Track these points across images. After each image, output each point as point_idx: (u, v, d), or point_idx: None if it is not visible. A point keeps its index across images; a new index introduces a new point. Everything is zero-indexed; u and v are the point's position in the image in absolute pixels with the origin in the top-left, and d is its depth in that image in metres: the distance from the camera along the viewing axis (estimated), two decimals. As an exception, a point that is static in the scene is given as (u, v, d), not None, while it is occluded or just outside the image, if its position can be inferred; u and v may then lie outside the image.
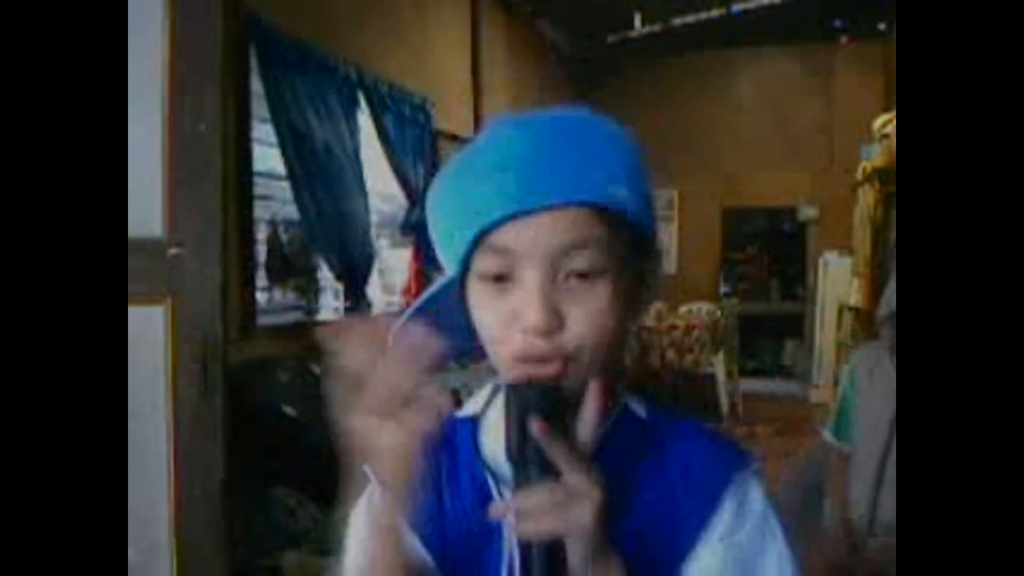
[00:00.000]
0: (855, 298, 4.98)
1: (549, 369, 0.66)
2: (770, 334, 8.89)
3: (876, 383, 2.14)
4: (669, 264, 8.94)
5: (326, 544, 2.86)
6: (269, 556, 2.75)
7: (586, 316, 0.67)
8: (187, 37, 1.66)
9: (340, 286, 4.34)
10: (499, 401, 0.78)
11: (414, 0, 5.44)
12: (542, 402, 0.64)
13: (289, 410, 3.53)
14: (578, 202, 0.66)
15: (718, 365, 6.72)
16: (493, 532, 0.71)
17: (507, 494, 0.71)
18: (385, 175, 4.90)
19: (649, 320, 7.11)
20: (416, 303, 0.75)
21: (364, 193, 4.50)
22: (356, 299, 4.34)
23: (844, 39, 8.43)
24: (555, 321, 0.66)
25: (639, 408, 0.77)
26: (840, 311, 5.13)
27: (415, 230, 5.14)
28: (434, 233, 0.75)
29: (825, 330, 5.91)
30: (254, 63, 3.68)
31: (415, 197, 5.06)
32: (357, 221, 4.34)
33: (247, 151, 3.69)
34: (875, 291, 3.75)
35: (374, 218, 4.98)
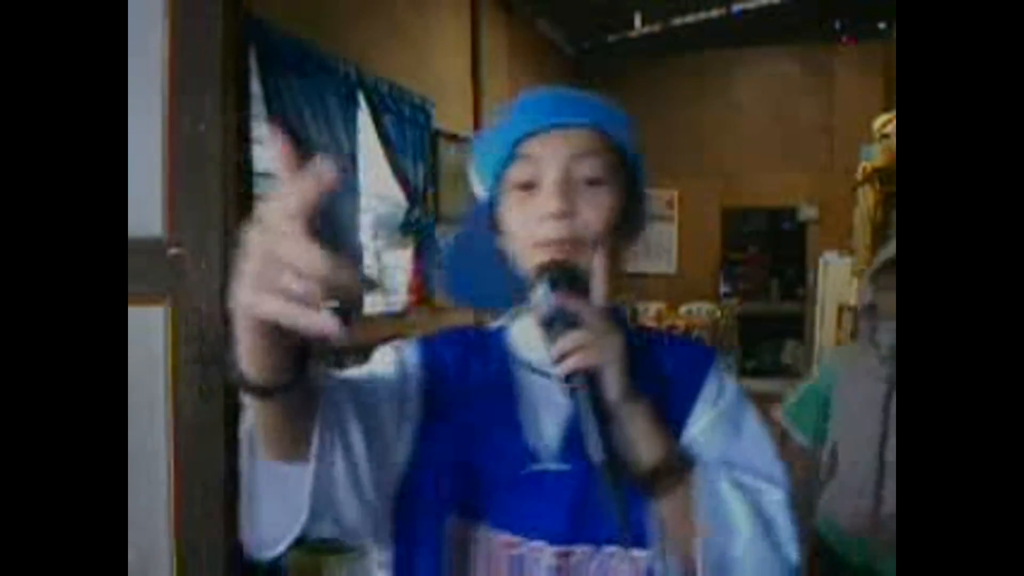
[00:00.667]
0: (855, 298, 4.99)
1: (564, 251, 0.84)
2: (770, 334, 8.89)
3: (860, 385, 2.12)
4: (669, 264, 8.95)
5: (326, 544, 2.86)
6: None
7: (593, 209, 0.85)
8: (187, 37, 1.66)
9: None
10: (523, 320, 0.94)
11: (414, 0, 5.44)
12: (563, 275, 0.82)
13: (289, 410, 3.53)
14: (587, 123, 0.88)
15: (718, 365, 6.70)
16: (520, 424, 0.88)
17: (536, 378, 0.89)
18: (385, 175, 4.90)
19: (649, 320, 7.11)
20: (456, 231, 0.97)
21: (356, 195, 4.50)
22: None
23: (844, 39, 8.43)
24: (569, 209, 0.84)
25: (628, 326, 0.93)
26: (840, 311, 5.13)
27: (415, 230, 5.14)
28: (477, 168, 0.94)
29: (825, 330, 5.90)
30: (254, 63, 3.68)
31: (415, 197, 5.06)
32: (351, 222, 4.34)
33: (247, 151, 3.69)
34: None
35: (373, 218, 4.98)
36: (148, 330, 1.65)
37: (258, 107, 3.72)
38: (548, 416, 0.87)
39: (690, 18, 7.90)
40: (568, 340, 0.78)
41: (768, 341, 8.96)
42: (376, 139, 4.75)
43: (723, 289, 9.06)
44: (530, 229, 0.86)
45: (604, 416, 0.78)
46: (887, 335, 2.10)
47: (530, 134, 0.87)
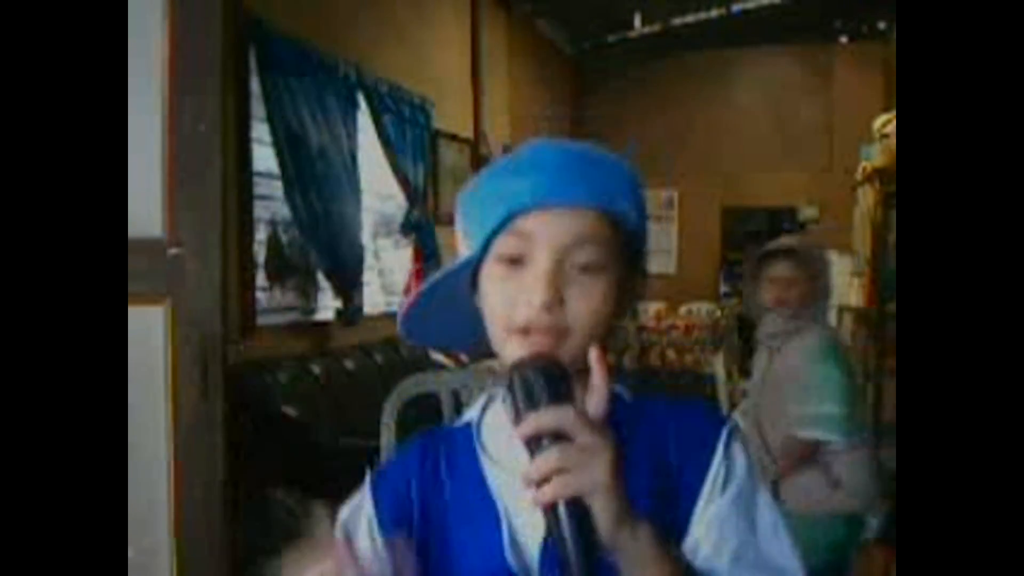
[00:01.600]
0: (855, 298, 4.98)
1: (547, 341, 0.77)
2: (770, 334, 8.87)
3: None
4: (669, 264, 8.94)
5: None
6: (269, 556, 2.75)
7: (584, 300, 0.79)
8: (187, 37, 1.66)
9: (328, 286, 4.34)
10: (496, 405, 0.88)
11: (414, 0, 5.44)
12: (544, 376, 0.71)
13: (289, 410, 3.54)
14: (592, 205, 0.80)
15: (718, 365, 6.71)
16: (494, 521, 0.81)
17: (509, 480, 0.81)
18: (385, 175, 4.90)
19: (649, 320, 7.11)
20: (430, 280, 0.86)
21: (357, 195, 4.50)
22: (345, 300, 4.34)
23: (844, 39, 8.43)
24: (557, 298, 0.77)
25: (624, 392, 0.88)
26: (840, 311, 5.13)
27: (415, 230, 5.14)
28: (463, 222, 0.86)
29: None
30: (253, 63, 3.68)
31: (415, 197, 5.06)
32: (347, 223, 4.35)
33: (247, 151, 3.69)
34: (875, 291, 3.75)
35: (373, 218, 4.98)
36: (148, 330, 1.65)
37: (258, 107, 3.72)
38: (529, 529, 0.79)
39: (690, 18, 7.89)
40: (545, 460, 0.67)
41: (768, 341, 8.93)
42: (376, 139, 4.75)
43: (723, 289, 9.05)
44: (509, 311, 0.79)
45: (591, 547, 0.66)
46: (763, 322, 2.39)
47: (527, 208, 0.79)
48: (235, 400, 1.80)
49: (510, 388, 0.72)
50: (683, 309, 7.42)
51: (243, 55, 3.60)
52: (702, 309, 7.40)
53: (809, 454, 2.25)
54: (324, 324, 4.32)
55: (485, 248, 0.81)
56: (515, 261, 0.80)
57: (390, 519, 0.85)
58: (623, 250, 0.82)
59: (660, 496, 0.79)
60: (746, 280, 2.45)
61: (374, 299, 4.88)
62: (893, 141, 4.28)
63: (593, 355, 0.74)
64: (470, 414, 0.92)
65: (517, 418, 0.70)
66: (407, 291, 5.24)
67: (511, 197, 0.80)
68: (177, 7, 1.66)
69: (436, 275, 0.85)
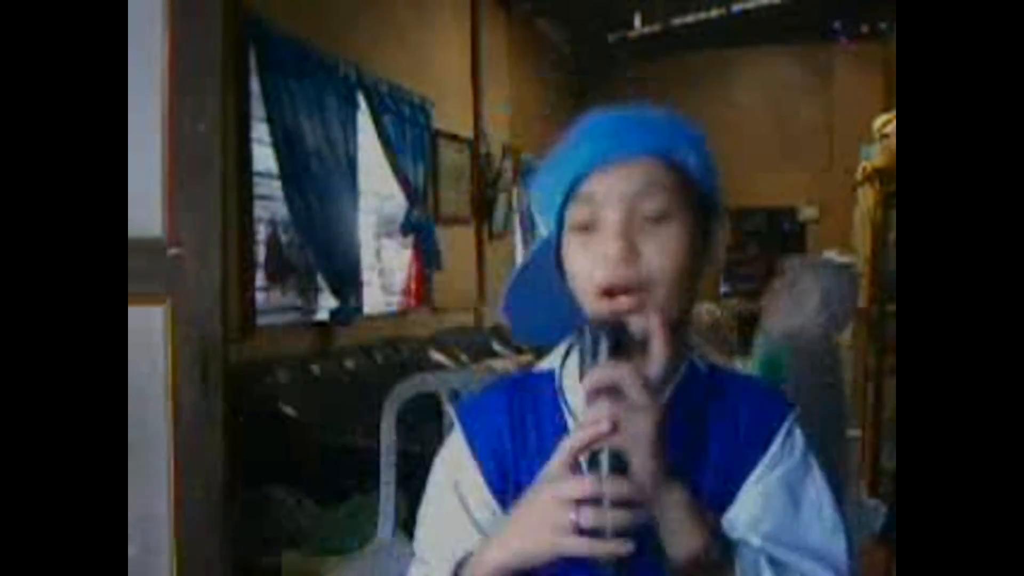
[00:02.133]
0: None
1: (628, 301, 0.78)
2: (770, 334, 8.88)
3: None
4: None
5: (326, 544, 2.86)
6: (269, 556, 2.75)
7: (658, 251, 0.79)
8: (187, 37, 1.66)
9: (326, 286, 4.34)
10: (575, 352, 0.88)
11: (414, 0, 5.44)
12: (607, 335, 0.74)
13: (289, 410, 3.53)
14: (650, 152, 0.81)
15: (718, 365, 6.70)
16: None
17: None
18: (385, 175, 4.90)
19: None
20: (520, 265, 0.89)
21: (356, 196, 4.50)
22: (343, 300, 4.34)
23: (844, 39, 8.43)
24: (632, 253, 0.79)
25: (701, 364, 0.89)
26: (840, 311, 5.12)
27: (415, 230, 5.14)
28: (537, 207, 0.89)
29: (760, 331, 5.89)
30: (253, 63, 3.68)
31: (415, 197, 5.06)
32: (345, 223, 4.35)
33: (247, 151, 3.69)
34: (875, 291, 3.75)
35: (373, 218, 4.98)
36: (148, 330, 1.65)
37: (258, 107, 3.72)
38: None
39: (690, 18, 7.88)
40: (596, 410, 0.71)
41: (768, 341, 8.94)
42: (376, 139, 4.75)
43: (723, 289, 9.05)
44: (591, 273, 0.81)
45: (626, 503, 0.69)
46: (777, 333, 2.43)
47: (588, 171, 0.81)
48: (235, 400, 1.80)
49: (579, 346, 0.77)
50: (683, 309, 7.42)
51: (243, 55, 3.60)
52: (702, 309, 7.40)
53: None
54: (324, 324, 4.32)
55: (560, 226, 0.84)
56: (588, 227, 0.81)
57: (496, 477, 0.86)
58: (693, 199, 0.82)
59: (722, 471, 0.83)
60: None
61: (374, 299, 4.88)
62: (893, 141, 4.28)
63: (654, 322, 0.77)
64: (550, 361, 0.92)
65: (582, 375, 0.74)
66: (407, 291, 5.24)
67: (572, 167, 0.82)
68: (177, 7, 1.66)
69: (520, 264, 0.89)
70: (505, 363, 4.80)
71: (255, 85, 3.69)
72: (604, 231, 0.80)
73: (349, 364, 4.17)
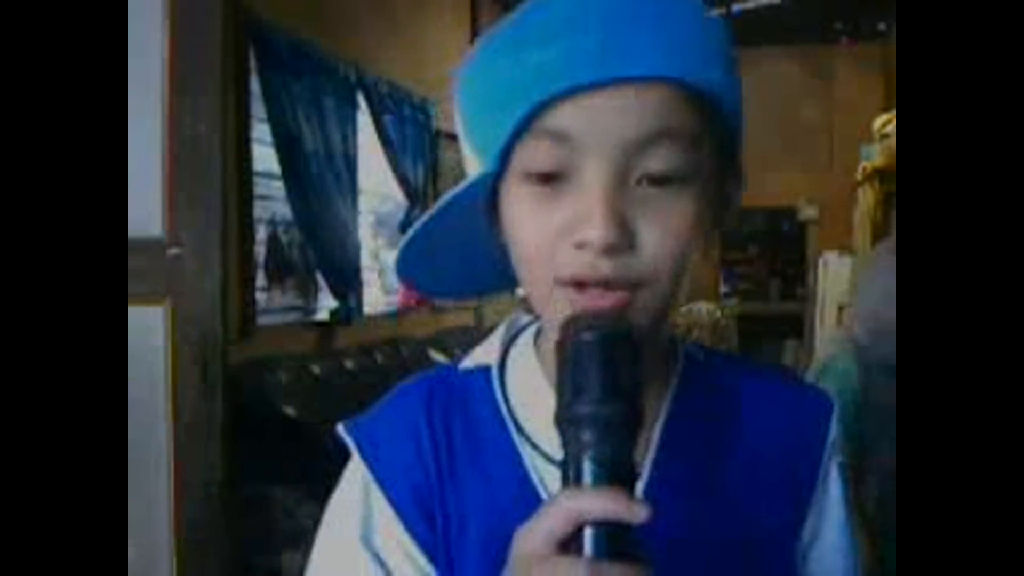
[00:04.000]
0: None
1: (612, 297, 0.52)
2: (770, 334, 8.89)
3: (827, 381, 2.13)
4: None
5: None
6: (269, 556, 2.75)
7: (662, 236, 0.52)
8: (187, 37, 1.66)
9: (326, 286, 4.34)
10: (521, 358, 0.63)
11: (414, 0, 5.44)
12: (607, 352, 0.47)
13: (289, 410, 3.53)
14: (667, 78, 0.51)
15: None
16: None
17: (545, 469, 0.57)
18: (385, 175, 4.90)
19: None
20: (427, 214, 0.58)
21: (356, 196, 4.50)
22: (343, 300, 4.34)
23: (844, 40, 8.43)
24: (623, 237, 0.51)
25: (697, 351, 0.66)
26: (840, 311, 5.13)
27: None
28: (464, 123, 0.58)
29: (825, 330, 5.90)
30: (253, 63, 3.68)
31: (415, 197, 5.06)
32: (346, 223, 4.35)
33: (247, 151, 3.69)
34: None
35: (373, 218, 4.98)
36: (148, 330, 1.65)
37: (258, 107, 3.72)
38: None
39: (690, 18, 7.89)
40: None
41: (768, 341, 8.96)
42: (376, 139, 4.75)
43: (723, 289, 9.06)
44: (549, 254, 0.53)
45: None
46: (864, 335, 2.02)
47: (561, 93, 0.50)
48: (235, 400, 1.80)
49: (559, 356, 0.49)
50: (683, 309, 7.41)
51: (243, 55, 3.60)
52: (702, 309, 7.40)
53: None
54: (324, 324, 4.33)
55: (503, 162, 0.54)
56: (552, 179, 0.52)
57: (418, 521, 0.60)
58: (714, 144, 0.55)
59: (750, 493, 0.60)
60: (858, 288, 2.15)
61: (374, 299, 4.88)
62: (893, 141, 4.28)
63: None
64: (481, 356, 0.64)
65: (562, 411, 0.47)
66: (407, 291, 5.24)
67: (532, 77, 0.50)
68: (177, 7, 1.66)
69: (436, 204, 0.57)
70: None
71: (255, 85, 3.69)
72: (582, 193, 0.51)
73: (349, 364, 4.17)
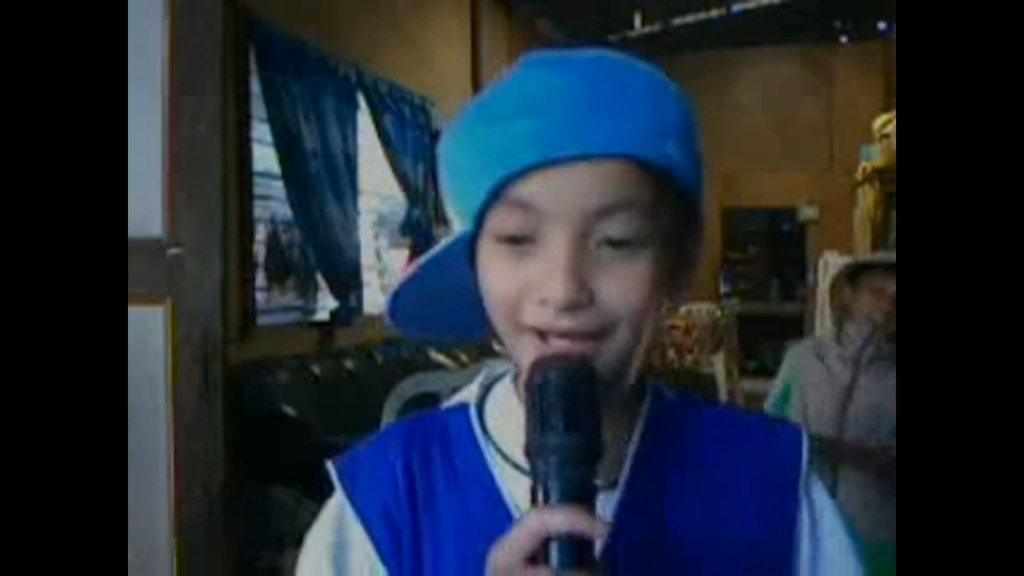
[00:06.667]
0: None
1: (572, 347, 0.58)
2: (770, 334, 8.88)
3: (815, 382, 2.15)
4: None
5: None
6: (269, 556, 2.75)
7: (620, 292, 0.57)
8: (187, 37, 1.66)
9: (326, 286, 4.35)
10: (500, 393, 0.69)
11: (414, 0, 5.44)
12: (569, 390, 0.54)
13: (289, 410, 3.54)
14: (621, 154, 0.56)
15: (718, 365, 6.71)
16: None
17: (517, 487, 0.62)
18: (385, 175, 4.90)
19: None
20: (416, 263, 0.65)
21: (355, 196, 4.50)
22: (343, 300, 4.34)
23: (844, 39, 8.43)
24: (583, 295, 0.56)
25: (666, 391, 0.70)
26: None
27: (414, 230, 5.14)
28: (445, 188, 0.65)
29: (825, 330, 5.91)
30: (253, 63, 3.68)
31: (415, 197, 5.06)
32: (346, 223, 4.35)
33: (247, 151, 3.69)
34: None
35: (373, 218, 4.98)
36: (148, 330, 1.65)
37: (258, 107, 3.73)
38: None
39: (690, 18, 7.89)
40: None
41: (768, 341, 8.94)
42: (376, 139, 4.75)
43: (723, 289, 9.06)
44: (516, 304, 0.59)
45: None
46: (857, 338, 2.10)
47: (525, 170, 0.56)
48: (235, 400, 1.80)
49: (527, 394, 0.56)
50: (683, 309, 7.41)
51: (243, 55, 3.60)
52: (702, 309, 7.40)
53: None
54: (324, 324, 4.33)
55: (478, 224, 0.60)
56: (521, 240, 0.58)
57: (387, 545, 0.65)
58: (672, 212, 0.59)
59: (722, 530, 0.64)
60: (841, 286, 2.18)
61: (374, 299, 4.88)
62: (893, 141, 4.28)
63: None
64: (460, 396, 0.71)
65: (531, 444, 0.54)
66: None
67: (501, 153, 0.57)
68: (177, 7, 1.66)
69: (424, 257, 0.64)
70: (506, 363, 4.79)
71: (255, 85, 3.69)
72: (545, 257, 0.57)
73: (349, 364, 4.18)
